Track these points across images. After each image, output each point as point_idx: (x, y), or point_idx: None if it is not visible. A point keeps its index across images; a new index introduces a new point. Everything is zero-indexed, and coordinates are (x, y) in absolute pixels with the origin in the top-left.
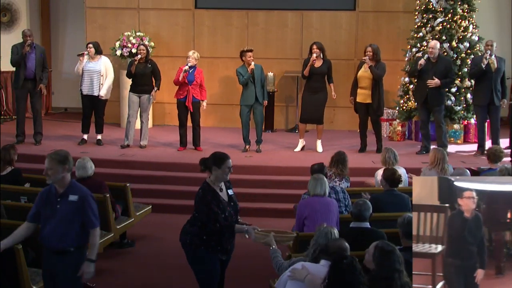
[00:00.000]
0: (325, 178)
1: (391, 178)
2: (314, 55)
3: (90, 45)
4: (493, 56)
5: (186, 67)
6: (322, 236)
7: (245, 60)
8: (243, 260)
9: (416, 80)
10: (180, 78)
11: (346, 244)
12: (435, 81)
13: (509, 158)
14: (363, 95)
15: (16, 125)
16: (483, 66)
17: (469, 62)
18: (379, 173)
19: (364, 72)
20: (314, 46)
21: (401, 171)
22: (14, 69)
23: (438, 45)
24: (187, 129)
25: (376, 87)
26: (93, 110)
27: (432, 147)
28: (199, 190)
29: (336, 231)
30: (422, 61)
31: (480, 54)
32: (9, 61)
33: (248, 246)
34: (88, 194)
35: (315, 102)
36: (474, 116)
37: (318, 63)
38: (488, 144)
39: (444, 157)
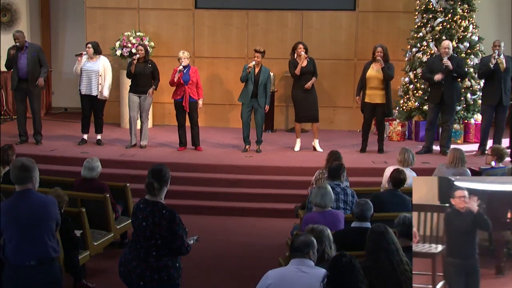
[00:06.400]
0: (329, 188)
1: (397, 179)
2: (303, 53)
3: (89, 45)
4: (501, 56)
5: (180, 67)
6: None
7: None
8: (243, 260)
9: (424, 81)
10: (175, 79)
11: (312, 238)
12: (446, 61)
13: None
14: (372, 95)
15: (18, 125)
16: (491, 65)
17: (469, 62)
18: (390, 169)
19: (374, 72)
20: (301, 46)
21: (412, 174)
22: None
23: (451, 44)
24: (186, 129)
25: (387, 87)
26: (92, 110)
27: (435, 148)
28: (163, 213)
29: (328, 230)
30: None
31: (480, 54)
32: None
33: (248, 245)
34: None
35: (309, 101)
36: (475, 116)
37: (304, 62)
38: (489, 144)
39: (463, 158)
